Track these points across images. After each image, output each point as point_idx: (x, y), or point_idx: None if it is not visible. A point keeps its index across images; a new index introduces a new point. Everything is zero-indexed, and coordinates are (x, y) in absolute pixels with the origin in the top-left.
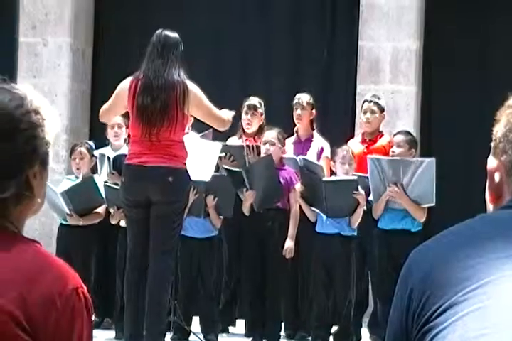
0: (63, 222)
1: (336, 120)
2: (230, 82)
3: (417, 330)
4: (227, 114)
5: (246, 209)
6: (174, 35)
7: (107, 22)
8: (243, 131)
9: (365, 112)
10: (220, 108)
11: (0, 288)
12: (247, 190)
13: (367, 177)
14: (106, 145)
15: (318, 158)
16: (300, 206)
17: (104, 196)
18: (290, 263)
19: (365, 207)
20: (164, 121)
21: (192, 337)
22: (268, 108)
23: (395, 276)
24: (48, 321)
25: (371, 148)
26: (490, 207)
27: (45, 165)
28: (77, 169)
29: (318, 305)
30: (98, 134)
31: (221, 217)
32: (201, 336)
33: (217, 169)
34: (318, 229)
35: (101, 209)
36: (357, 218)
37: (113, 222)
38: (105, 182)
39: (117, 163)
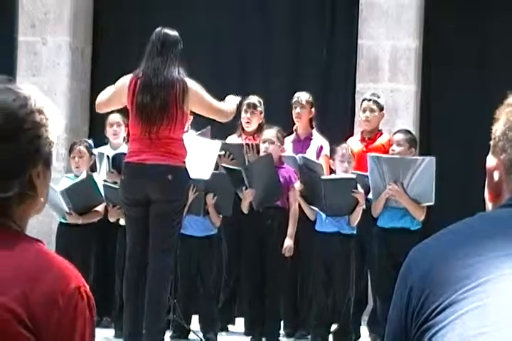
0: (62, 221)
1: (336, 118)
2: (229, 81)
3: (416, 329)
4: (233, 101)
5: (245, 208)
6: (174, 33)
7: (106, 21)
8: (242, 129)
9: (364, 111)
10: (220, 99)
11: (2, 286)
12: (246, 188)
13: (366, 176)
14: (105, 143)
15: (318, 156)
16: (299, 204)
17: (103, 195)
18: (289, 261)
19: (364, 206)
20: (164, 119)
21: (191, 335)
22: (267, 106)
23: (395, 275)
24: (51, 320)
25: (370, 146)
26: (489, 205)
27: (49, 165)
28: (77, 167)
29: (317, 304)
30: (97, 133)
31: (220, 215)
32: (200, 334)
33: (216, 167)
34: (317, 227)
35: (100, 208)
36: (356, 216)
37: (111, 219)
38: (104, 181)
39: (116, 162)
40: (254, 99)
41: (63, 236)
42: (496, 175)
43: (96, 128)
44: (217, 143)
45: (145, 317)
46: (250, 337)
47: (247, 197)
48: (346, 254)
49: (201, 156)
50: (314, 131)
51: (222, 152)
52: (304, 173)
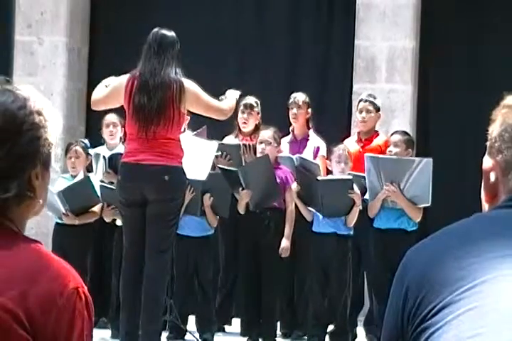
0: (59, 221)
1: (333, 119)
2: (226, 82)
3: (413, 329)
4: (232, 96)
5: (241, 209)
6: (171, 33)
7: (102, 21)
8: (239, 129)
9: (360, 111)
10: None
11: (0, 287)
12: (242, 189)
13: (363, 177)
14: (101, 144)
15: (315, 157)
16: (296, 205)
17: (99, 195)
18: (286, 262)
19: (360, 206)
20: (161, 119)
21: (188, 336)
22: (264, 107)
23: (391, 275)
24: (49, 320)
25: (367, 147)
26: (485, 206)
27: (48, 167)
28: (73, 168)
29: (314, 304)
30: (94, 133)
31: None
32: (197, 335)
33: (213, 168)
34: (314, 228)
35: (97, 209)
36: (353, 217)
37: (106, 219)
38: (101, 181)
39: (113, 162)
40: (251, 99)
41: (59, 236)
42: (493, 176)
43: (92, 128)
44: (214, 144)
45: (141, 318)
46: (247, 337)
47: (244, 197)
48: (343, 255)
49: (198, 157)
50: (311, 132)
51: (219, 152)
52: (301, 174)
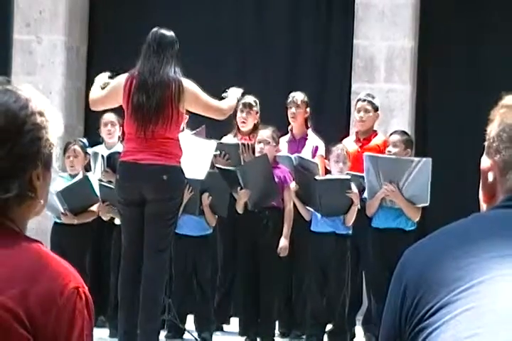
0: (57, 220)
1: (331, 119)
2: (224, 81)
3: (411, 329)
4: (234, 94)
5: (239, 208)
6: (170, 33)
7: (101, 20)
8: (238, 129)
9: (358, 111)
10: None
11: (1, 286)
12: (241, 189)
13: (361, 177)
14: (100, 143)
15: (313, 156)
16: (295, 205)
17: (98, 194)
18: (285, 261)
19: (359, 206)
20: (159, 119)
21: (186, 335)
22: (263, 106)
23: (389, 275)
24: (49, 320)
25: (365, 147)
26: (483, 206)
27: (49, 167)
28: (71, 167)
29: (312, 304)
30: (93, 132)
31: (216, 215)
32: (195, 334)
33: (212, 167)
34: (312, 227)
35: (95, 208)
36: (351, 216)
37: (104, 217)
38: (99, 180)
39: (111, 161)
40: (250, 98)
41: (58, 235)
42: (491, 176)
43: (91, 128)
44: (213, 143)
45: (140, 317)
46: (245, 336)
47: (242, 197)
48: (341, 254)
49: (197, 156)
50: (310, 131)
51: (218, 152)
52: (299, 173)
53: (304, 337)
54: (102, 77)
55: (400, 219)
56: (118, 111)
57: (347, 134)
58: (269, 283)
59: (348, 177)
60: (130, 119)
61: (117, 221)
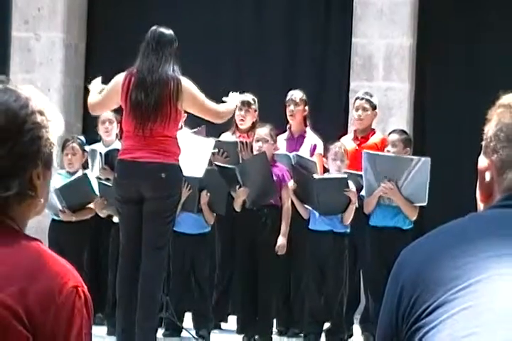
0: (55, 218)
1: (330, 117)
2: (223, 79)
3: (407, 328)
4: (234, 100)
5: (237, 206)
6: (169, 32)
7: (100, 17)
8: (236, 127)
9: (357, 109)
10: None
11: (0, 283)
12: (239, 187)
13: (359, 175)
14: (98, 140)
15: (311, 154)
16: (293, 203)
17: (97, 192)
18: (283, 260)
19: (357, 204)
20: (158, 116)
21: (184, 333)
22: (262, 105)
23: (386, 273)
24: (48, 318)
25: (363, 145)
26: (481, 205)
27: (49, 166)
28: (70, 164)
29: (310, 302)
30: (91, 129)
31: (214, 213)
32: (193, 332)
33: (210, 165)
34: (310, 226)
35: (93, 205)
36: (349, 215)
37: (101, 214)
38: (97, 177)
39: (109, 158)
40: (248, 97)
41: (56, 232)
42: (488, 176)
43: (89, 125)
44: (211, 141)
45: (138, 315)
46: (243, 334)
47: (241, 195)
48: (339, 253)
49: (195, 154)
50: (308, 129)
51: (216, 150)
52: (297, 172)
53: (302, 335)
54: (97, 83)
55: (397, 218)
56: (116, 109)
57: (345, 132)
58: (267, 281)
59: (345, 175)
60: (128, 117)
61: (115, 218)
